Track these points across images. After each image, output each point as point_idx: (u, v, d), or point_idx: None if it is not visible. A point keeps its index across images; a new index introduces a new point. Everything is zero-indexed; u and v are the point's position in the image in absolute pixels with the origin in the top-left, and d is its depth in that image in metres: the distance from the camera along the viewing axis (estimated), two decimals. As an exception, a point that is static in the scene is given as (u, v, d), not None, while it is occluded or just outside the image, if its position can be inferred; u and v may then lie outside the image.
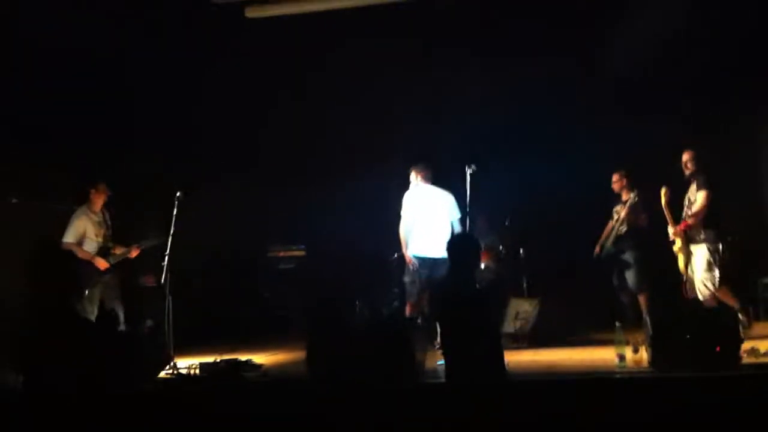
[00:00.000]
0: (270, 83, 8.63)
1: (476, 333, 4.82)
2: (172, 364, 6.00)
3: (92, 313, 6.71)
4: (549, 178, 9.14)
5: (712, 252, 6.61)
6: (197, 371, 5.91)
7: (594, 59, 8.05)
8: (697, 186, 6.74)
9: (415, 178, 7.21)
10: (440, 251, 6.08)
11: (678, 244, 6.83)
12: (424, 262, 6.94)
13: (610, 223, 8.01)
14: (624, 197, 7.89)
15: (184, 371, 5.92)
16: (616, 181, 7.96)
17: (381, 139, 9.01)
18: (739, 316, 6.27)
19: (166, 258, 6.78)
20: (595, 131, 8.74)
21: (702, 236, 6.70)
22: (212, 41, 7.86)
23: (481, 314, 4.93)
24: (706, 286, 6.57)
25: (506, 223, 8.85)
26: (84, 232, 7.02)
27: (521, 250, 8.82)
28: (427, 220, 7.01)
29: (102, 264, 6.93)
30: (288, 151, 9.23)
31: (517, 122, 8.93)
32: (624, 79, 8.12)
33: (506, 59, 8.22)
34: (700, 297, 6.61)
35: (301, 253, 9.39)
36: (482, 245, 8.50)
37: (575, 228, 8.66)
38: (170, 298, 7.05)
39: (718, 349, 5.02)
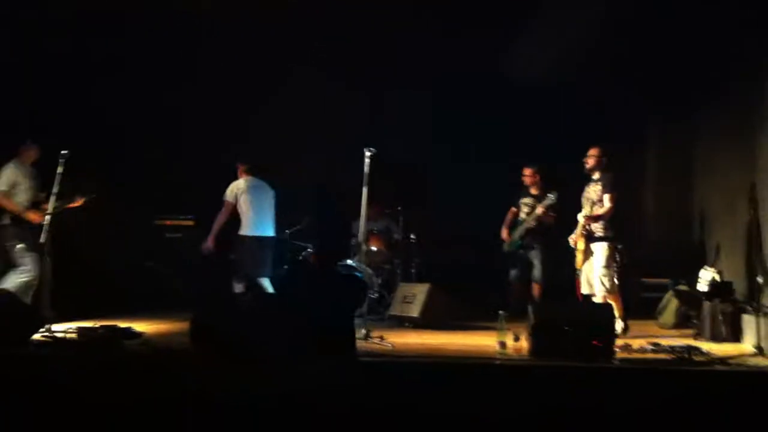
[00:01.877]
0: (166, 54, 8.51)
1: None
2: (46, 327, 5.73)
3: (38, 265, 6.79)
4: (443, 165, 9.32)
5: (612, 250, 6.82)
6: (74, 335, 5.66)
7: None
8: (603, 186, 6.90)
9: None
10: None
11: (581, 243, 6.99)
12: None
13: (513, 213, 8.26)
14: (534, 192, 8.18)
15: (59, 335, 5.66)
16: (530, 175, 8.25)
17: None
18: (619, 321, 6.59)
19: (47, 217, 6.49)
20: (499, 123, 8.93)
21: (603, 234, 6.88)
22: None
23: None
24: (602, 283, 6.74)
25: (399, 208, 8.92)
26: (15, 181, 6.91)
27: (413, 236, 8.92)
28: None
29: (34, 217, 6.78)
30: (192, 123, 9.00)
31: (421, 107, 9.03)
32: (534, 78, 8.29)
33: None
34: (596, 292, 6.79)
35: (190, 223, 9.13)
36: (374, 229, 8.68)
37: (467, 215, 8.85)
38: (48, 259, 6.76)
39: (595, 342, 5.22)
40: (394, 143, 7.97)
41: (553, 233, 7.83)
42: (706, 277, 7.33)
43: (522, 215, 8.23)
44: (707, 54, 7.88)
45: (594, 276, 6.85)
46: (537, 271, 8.04)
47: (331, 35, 8.53)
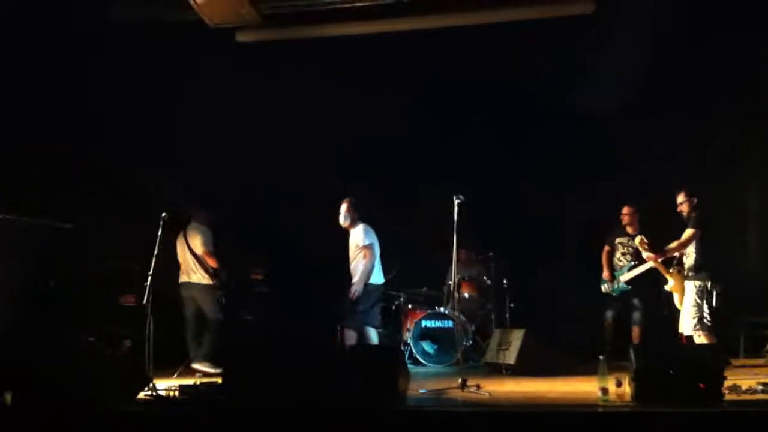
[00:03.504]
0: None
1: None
2: (151, 385, 5.90)
3: None
4: (533, 209, 9.23)
5: (701, 289, 6.68)
6: (177, 393, 5.82)
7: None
8: (691, 223, 6.84)
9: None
10: None
11: (673, 282, 6.94)
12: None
13: (607, 252, 8.17)
14: (630, 231, 8.05)
15: (163, 393, 5.82)
16: (628, 214, 8.08)
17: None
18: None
19: (149, 278, 6.74)
20: (583, 165, 8.82)
21: (692, 273, 6.79)
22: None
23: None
24: (689, 323, 6.66)
25: (490, 254, 8.87)
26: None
27: (505, 281, 8.84)
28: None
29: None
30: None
31: (502, 152, 9.01)
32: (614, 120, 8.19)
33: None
34: (685, 332, 6.68)
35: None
36: (465, 276, 8.66)
37: (559, 258, 8.73)
38: (151, 318, 7.00)
39: (702, 385, 5.02)
40: (481, 188, 7.94)
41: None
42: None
43: (618, 255, 8.07)
44: None
45: (683, 314, 6.74)
46: (638, 314, 7.84)
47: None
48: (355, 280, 7.30)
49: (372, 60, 8.30)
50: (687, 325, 6.68)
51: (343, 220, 7.49)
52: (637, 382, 5.19)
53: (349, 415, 4.76)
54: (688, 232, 6.77)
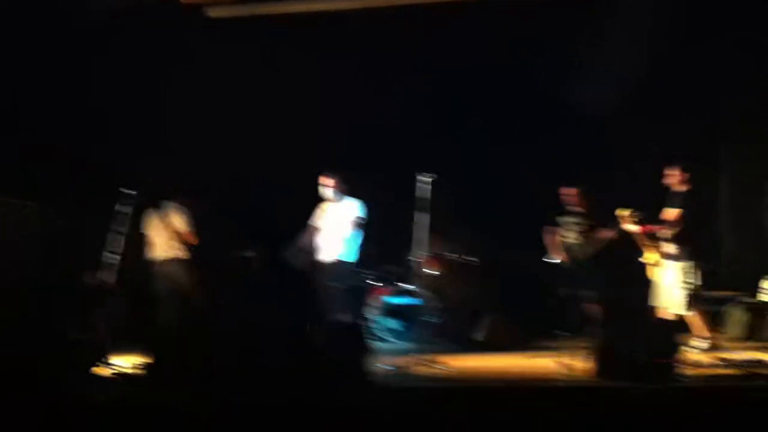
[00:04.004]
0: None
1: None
2: (105, 359, 5.87)
3: None
4: (504, 187, 9.31)
5: (687, 270, 6.73)
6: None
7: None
8: (676, 203, 6.84)
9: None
10: None
11: (652, 257, 6.96)
12: None
13: (553, 232, 8.24)
14: (578, 210, 8.14)
15: (128, 371, 5.78)
16: (574, 195, 8.16)
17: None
18: (701, 340, 6.56)
19: (117, 257, 6.70)
20: (550, 144, 8.92)
21: (675, 252, 6.81)
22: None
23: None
24: (680, 303, 6.69)
25: (460, 232, 8.90)
26: None
27: (474, 259, 8.90)
28: None
29: None
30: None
31: (473, 132, 9.06)
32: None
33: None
34: (673, 311, 6.73)
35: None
36: (434, 252, 8.70)
37: (525, 236, 8.81)
38: (115, 297, 6.94)
39: (659, 361, 5.15)
40: (452, 165, 7.99)
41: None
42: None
43: (568, 233, 8.15)
44: None
45: (670, 295, 6.77)
46: (597, 290, 7.92)
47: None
48: (340, 250, 7.33)
49: (349, 37, 8.21)
50: (676, 305, 6.71)
51: (332, 195, 7.44)
52: (599, 358, 5.31)
53: (313, 391, 4.79)
54: (675, 212, 6.78)
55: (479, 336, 7.27)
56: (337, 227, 7.39)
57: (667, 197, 6.95)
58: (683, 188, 6.88)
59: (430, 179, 6.65)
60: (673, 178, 6.93)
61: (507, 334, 7.37)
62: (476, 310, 7.77)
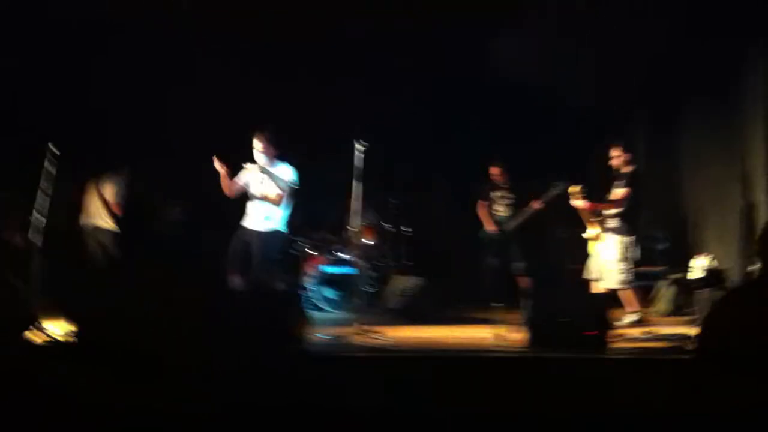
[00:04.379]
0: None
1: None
2: (37, 323, 5.67)
3: None
4: (432, 157, 9.34)
5: (624, 245, 6.85)
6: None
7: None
8: (624, 181, 6.95)
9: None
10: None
11: (593, 231, 7.07)
12: None
13: (484, 206, 8.32)
14: (503, 184, 8.33)
15: (60, 338, 5.59)
16: (497, 174, 8.33)
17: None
18: (634, 314, 6.73)
19: (40, 217, 6.47)
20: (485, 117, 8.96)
21: (616, 227, 6.93)
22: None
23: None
24: (617, 276, 6.82)
25: (392, 201, 8.90)
26: None
27: (403, 227, 8.92)
28: None
29: None
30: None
31: (406, 101, 9.01)
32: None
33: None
34: (608, 285, 6.85)
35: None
36: (367, 222, 8.68)
37: (455, 207, 8.89)
38: (40, 256, 6.69)
39: (588, 333, 5.24)
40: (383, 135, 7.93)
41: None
42: (698, 266, 7.37)
43: (498, 206, 8.28)
44: (691, 49, 7.95)
45: (608, 269, 6.88)
46: (525, 261, 8.07)
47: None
48: (276, 221, 7.00)
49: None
50: (611, 278, 6.82)
51: (260, 157, 6.93)
52: (529, 328, 5.38)
53: (248, 360, 4.72)
54: (623, 191, 6.88)
55: (409, 305, 7.30)
56: (268, 193, 6.97)
57: (612, 177, 7.08)
58: (628, 168, 7.01)
59: (363, 148, 6.57)
60: (618, 159, 7.06)
61: (438, 304, 7.43)
62: (407, 280, 7.79)
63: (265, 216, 6.96)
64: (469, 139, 9.20)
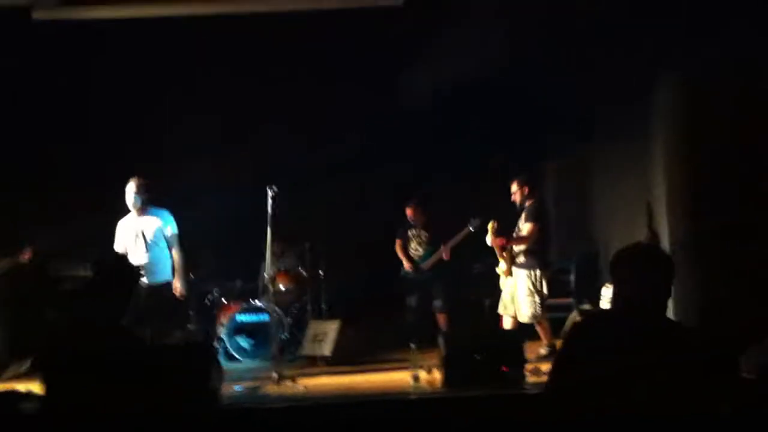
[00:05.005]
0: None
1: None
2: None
3: None
4: (348, 200, 9.32)
5: (533, 278, 6.87)
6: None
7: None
8: (526, 216, 6.99)
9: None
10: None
11: (504, 266, 7.09)
12: None
13: (403, 246, 8.36)
14: (419, 223, 8.32)
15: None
16: (412, 210, 8.33)
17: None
18: (545, 347, 6.79)
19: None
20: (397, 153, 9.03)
21: (524, 261, 6.96)
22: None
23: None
24: (527, 312, 6.83)
25: (306, 245, 8.83)
26: None
27: (321, 272, 8.85)
28: None
29: None
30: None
31: (318, 145, 9.00)
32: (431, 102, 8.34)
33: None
34: (521, 319, 6.87)
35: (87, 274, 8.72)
36: (281, 267, 8.59)
37: (372, 250, 8.87)
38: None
39: (504, 368, 5.28)
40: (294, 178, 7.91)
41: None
42: (608, 296, 7.51)
43: (414, 245, 8.33)
44: (601, 64, 8.02)
45: (520, 303, 6.91)
46: (442, 300, 8.09)
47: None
48: (177, 276, 6.78)
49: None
50: (525, 313, 6.83)
51: (134, 201, 6.61)
52: (446, 368, 5.39)
53: (159, 415, 4.56)
54: (529, 227, 6.91)
55: (326, 351, 7.22)
56: (145, 242, 6.71)
57: (518, 212, 7.17)
58: (529, 202, 7.07)
59: (273, 193, 6.52)
60: (517, 194, 7.13)
61: (355, 347, 7.38)
62: (323, 325, 7.71)
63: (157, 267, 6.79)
64: (385, 176, 9.21)
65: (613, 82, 7.74)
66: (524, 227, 6.99)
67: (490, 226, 7.15)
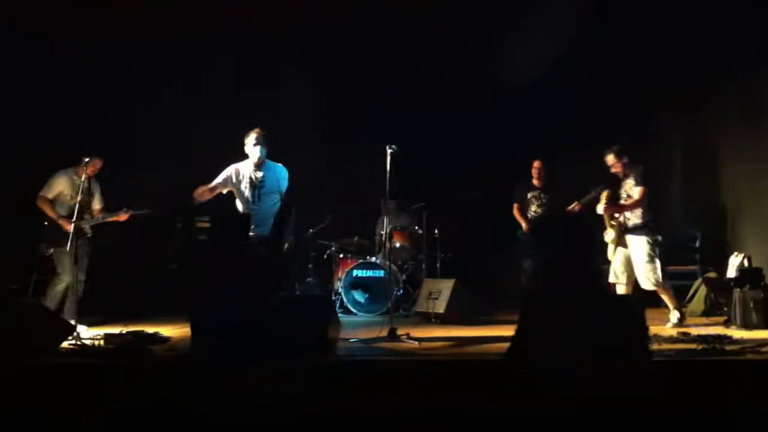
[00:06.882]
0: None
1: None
2: (75, 334, 5.77)
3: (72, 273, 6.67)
4: (465, 160, 9.29)
5: (652, 244, 6.74)
6: (102, 342, 5.69)
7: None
8: (635, 181, 6.86)
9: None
10: None
11: (611, 234, 6.97)
12: None
13: (521, 209, 8.31)
14: (538, 185, 8.32)
15: (87, 342, 5.70)
16: (538, 168, 8.32)
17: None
18: (675, 312, 6.66)
19: (72, 224, 6.57)
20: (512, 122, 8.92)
21: (642, 228, 6.82)
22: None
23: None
24: (649, 277, 6.69)
25: (422, 204, 8.84)
26: (61, 191, 7.07)
27: (436, 231, 8.87)
28: None
29: (66, 225, 6.78)
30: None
31: (435, 104, 9.00)
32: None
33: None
34: (645, 286, 6.72)
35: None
36: (397, 225, 8.67)
37: (486, 209, 8.83)
38: (76, 266, 6.75)
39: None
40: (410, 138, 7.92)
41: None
42: (735, 264, 7.25)
43: (534, 208, 8.22)
44: (720, 40, 7.83)
45: (640, 270, 6.76)
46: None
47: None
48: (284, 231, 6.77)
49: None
50: (647, 279, 6.70)
51: (259, 152, 6.66)
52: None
53: (280, 364, 4.72)
54: (639, 190, 6.79)
55: (440, 308, 7.27)
56: (264, 194, 6.74)
57: (620, 182, 7.01)
58: (632, 171, 6.92)
59: (390, 151, 6.52)
60: (618, 166, 6.96)
61: (469, 306, 7.40)
62: (438, 283, 7.75)
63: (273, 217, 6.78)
64: (505, 141, 9.25)
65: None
66: (634, 191, 6.84)
67: (604, 194, 7.03)
